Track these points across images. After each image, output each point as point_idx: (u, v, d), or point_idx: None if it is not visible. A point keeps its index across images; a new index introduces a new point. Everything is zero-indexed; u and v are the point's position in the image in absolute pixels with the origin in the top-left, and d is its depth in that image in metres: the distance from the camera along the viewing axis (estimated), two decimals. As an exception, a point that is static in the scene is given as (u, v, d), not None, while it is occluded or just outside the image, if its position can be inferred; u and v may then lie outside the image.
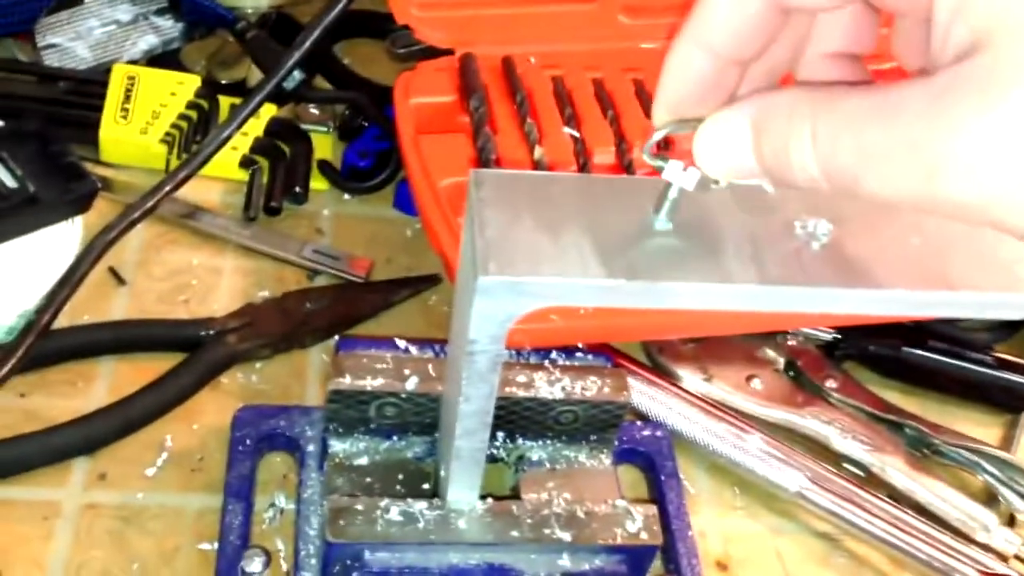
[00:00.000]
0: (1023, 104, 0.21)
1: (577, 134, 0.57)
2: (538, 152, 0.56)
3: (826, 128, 0.24)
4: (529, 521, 0.41)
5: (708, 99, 0.29)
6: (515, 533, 0.41)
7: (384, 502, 0.41)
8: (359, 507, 0.40)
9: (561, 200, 0.33)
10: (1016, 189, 0.21)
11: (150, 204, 0.53)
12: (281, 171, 0.60)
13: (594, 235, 0.32)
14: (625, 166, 0.56)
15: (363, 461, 0.45)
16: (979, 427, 0.57)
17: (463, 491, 0.41)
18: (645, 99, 0.61)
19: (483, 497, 0.42)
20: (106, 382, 0.50)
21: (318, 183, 0.61)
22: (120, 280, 0.54)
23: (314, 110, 0.65)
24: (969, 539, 0.51)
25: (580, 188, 0.34)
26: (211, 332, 0.51)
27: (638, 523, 0.42)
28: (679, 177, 0.31)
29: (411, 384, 0.43)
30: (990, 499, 0.53)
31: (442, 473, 0.43)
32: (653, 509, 0.43)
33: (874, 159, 0.23)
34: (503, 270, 0.31)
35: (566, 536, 0.41)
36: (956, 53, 0.22)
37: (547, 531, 0.41)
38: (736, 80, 0.29)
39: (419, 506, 0.41)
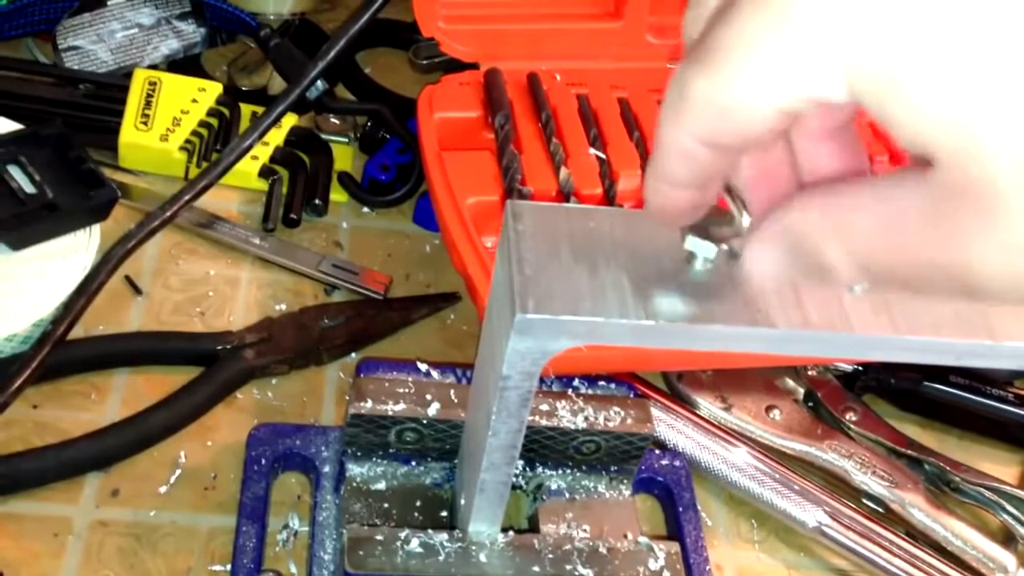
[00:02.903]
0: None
1: (603, 156, 0.57)
2: (564, 174, 0.55)
3: (850, 244, 0.24)
4: (551, 556, 0.41)
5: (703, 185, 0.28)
6: (536, 569, 0.40)
7: (404, 533, 0.40)
8: (379, 537, 0.40)
9: (599, 235, 0.33)
10: None
11: (169, 213, 0.52)
12: (301, 182, 0.59)
13: (632, 273, 0.32)
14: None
15: (381, 486, 0.44)
16: (998, 464, 0.56)
17: (485, 524, 0.40)
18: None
19: (503, 530, 0.41)
20: (120, 395, 0.49)
21: (338, 195, 0.61)
22: (136, 290, 0.54)
23: (335, 120, 0.64)
24: (987, 580, 0.50)
25: (618, 222, 0.34)
26: (228, 347, 0.50)
27: (660, 561, 0.41)
28: (701, 248, 0.30)
29: (432, 410, 0.43)
30: (1008, 539, 0.52)
31: (461, 502, 0.42)
32: (675, 547, 0.42)
33: (903, 268, 0.23)
34: (541, 308, 0.30)
35: (588, 573, 0.41)
36: (921, 153, 0.22)
37: (568, 567, 0.40)
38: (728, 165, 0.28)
39: (439, 538, 0.40)
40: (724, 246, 0.31)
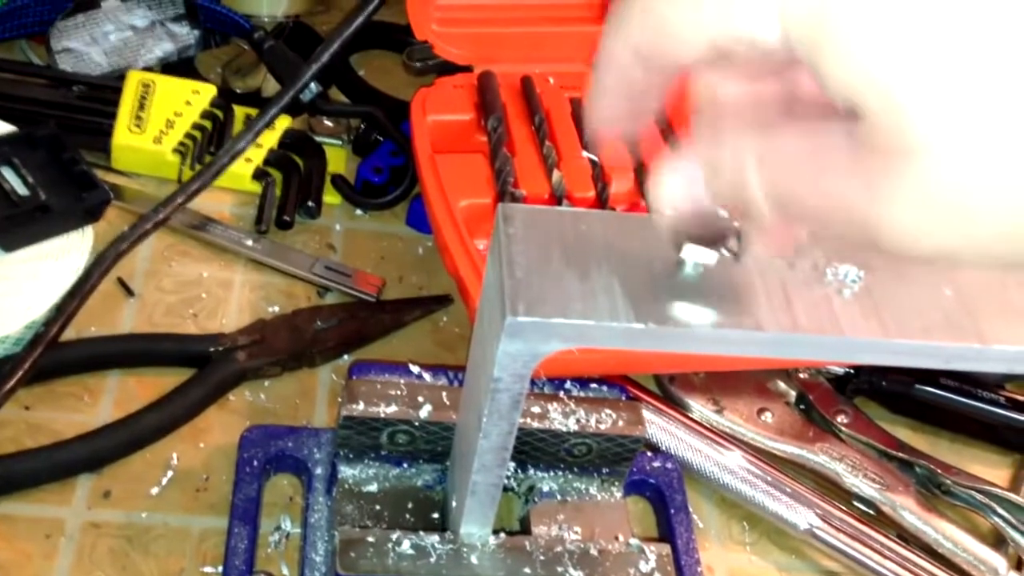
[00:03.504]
0: (940, 168, 0.21)
1: (596, 159, 0.57)
2: (556, 176, 0.55)
3: (767, 172, 0.25)
4: (542, 558, 0.41)
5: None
6: (527, 570, 0.40)
7: (395, 535, 0.40)
8: (370, 539, 0.40)
9: (590, 238, 0.33)
10: (953, 239, 0.22)
11: (162, 216, 0.52)
12: (294, 184, 0.59)
13: (623, 276, 0.32)
14: (644, 193, 0.56)
15: (373, 488, 0.44)
16: (988, 466, 0.57)
17: (476, 526, 0.40)
18: (664, 125, 0.60)
19: (495, 532, 0.41)
20: (112, 397, 0.49)
21: (331, 197, 0.61)
22: (129, 292, 0.54)
23: (328, 122, 0.64)
24: (978, 583, 0.50)
25: (609, 225, 0.34)
26: (220, 348, 0.50)
27: (651, 563, 0.41)
28: (700, 255, 0.31)
29: (424, 412, 0.43)
30: (999, 542, 0.53)
31: (453, 504, 0.42)
32: (666, 548, 0.42)
33: (813, 202, 0.24)
34: (532, 311, 0.30)
35: (579, 575, 0.41)
36: (846, 101, 0.22)
37: (560, 569, 0.41)
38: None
39: (431, 540, 0.40)
40: (723, 250, 0.31)
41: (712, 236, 0.31)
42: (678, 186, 0.28)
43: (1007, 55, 0.20)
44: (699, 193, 0.27)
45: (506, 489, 0.46)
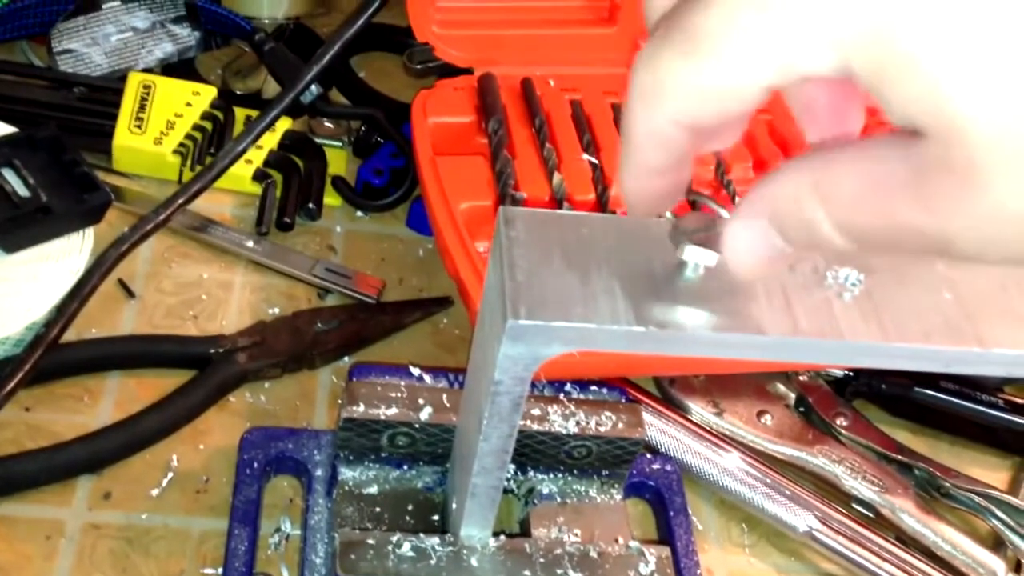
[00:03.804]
0: (1010, 186, 0.21)
1: (596, 161, 0.57)
2: (556, 179, 0.55)
3: (835, 212, 0.24)
4: (542, 560, 0.41)
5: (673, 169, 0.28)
6: (527, 573, 0.40)
7: (396, 537, 0.40)
8: (370, 541, 0.40)
9: (591, 241, 0.33)
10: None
11: (163, 217, 0.52)
12: (295, 186, 0.59)
13: (624, 279, 0.32)
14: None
15: (373, 490, 0.44)
16: (988, 469, 0.57)
17: (476, 528, 0.40)
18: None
19: (495, 534, 0.41)
20: (113, 398, 0.49)
21: (331, 199, 0.61)
22: (129, 293, 0.54)
23: (329, 124, 0.64)
24: (977, 585, 0.50)
25: (610, 229, 0.34)
26: (221, 350, 0.50)
27: (651, 566, 0.41)
28: (701, 257, 0.31)
29: (425, 414, 0.43)
30: (998, 544, 0.53)
31: (453, 506, 0.42)
32: (666, 551, 0.42)
33: (885, 232, 0.24)
34: (533, 315, 0.30)
35: (579, 577, 0.41)
36: (910, 126, 0.22)
37: (559, 571, 0.41)
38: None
39: (431, 542, 0.40)
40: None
41: (713, 237, 0.31)
42: (752, 243, 0.26)
43: None
44: (775, 242, 0.26)
45: (506, 491, 0.46)
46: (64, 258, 0.50)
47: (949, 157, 0.22)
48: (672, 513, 0.48)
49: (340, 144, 0.64)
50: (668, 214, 0.31)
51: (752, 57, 0.23)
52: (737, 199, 0.57)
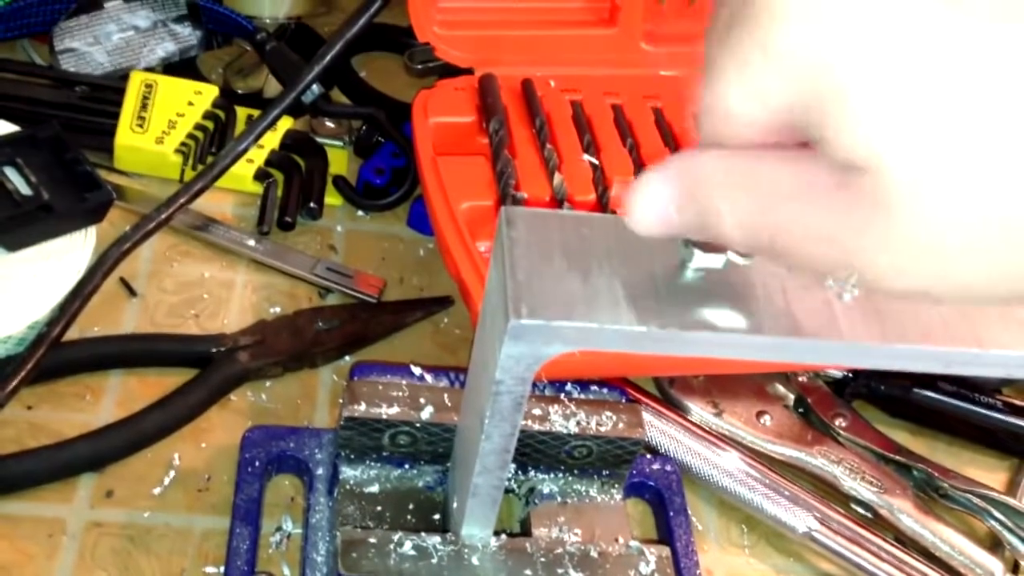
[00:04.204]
0: (922, 217, 0.22)
1: (596, 162, 0.57)
2: (557, 179, 0.55)
3: (741, 205, 0.25)
4: (542, 560, 0.41)
5: None
6: (528, 572, 0.40)
7: (397, 536, 0.40)
8: (372, 540, 0.40)
9: (592, 241, 0.33)
10: (935, 279, 0.23)
11: (164, 216, 0.52)
12: (296, 185, 0.60)
13: (625, 279, 0.32)
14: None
15: (374, 489, 0.45)
16: (986, 470, 0.57)
17: (477, 527, 0.40)
18: (664, 128, 0.61)
19: (496, 533, 0.41)
20: (115, 396, 0.49)
21: (332, 198, 0.61)
22: (131, 292, 0.54)
23: (330, 124, 0.64)
24: (975, 586, 0.51)
25: (611, 229, 0.34)
26: (222, 349, 0.51)
27: (651, 565, 0.42)
28: (708, 261, 0.31)
29: (426, 414, 0.43)
30: (996, 545, 0.53)
31: (454, 505, 0.42)
32: (666, 551, 0.43)
33: (791, 242, 0.24)
34: (535, 314, 0.30)
35: (579, 576, 0.41)
36: (846, 164, 0.23)
37: (560, 571, 0.41)
38: None
39: (432, 541, 0.40)
40: (729, 254, 0.31)
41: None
42: (652, 205, 0.27)
43: (980, 121, 0.21)
44: (672, 216, 0.27)
45: (507, 491, 0.46)
46: (66, 257, 0.50)
47: (873, 187, 0.22)
48: (672, 513, 0.49)
49: (341, 144, 0.64)
50: (638, 229, 0.31)
51: (748, 89, 0.24)
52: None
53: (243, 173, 0.59)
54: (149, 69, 0.63)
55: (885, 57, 0.21)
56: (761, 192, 0.25)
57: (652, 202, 0.27)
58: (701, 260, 0.31)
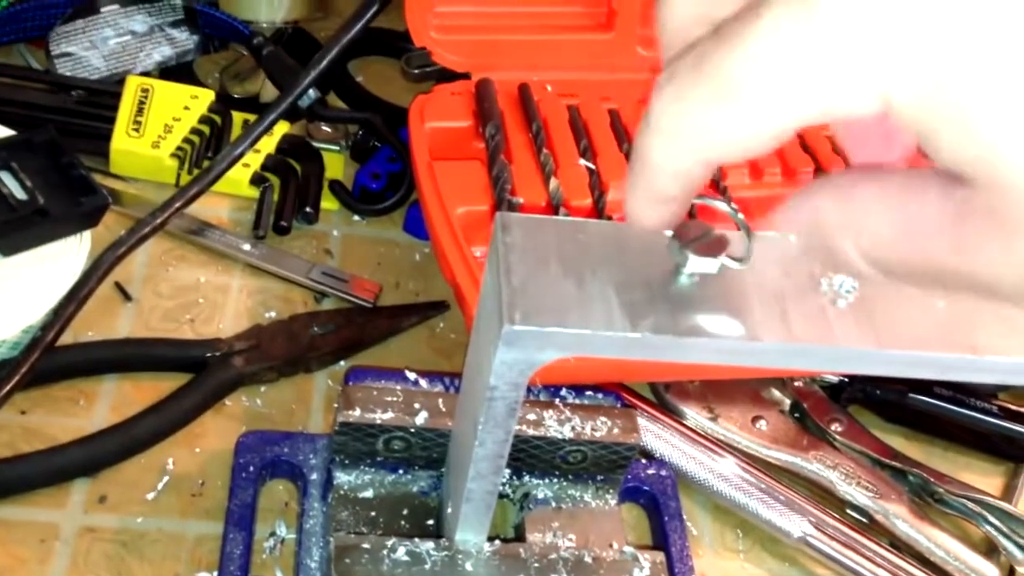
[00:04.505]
0: None
1: (592, 167, 0.57)
2: (553, 184, 0.55)
3: (866, 246, 0.24)
4: (536, 565, 0.41)
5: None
6: (522, 577, 0.40)
7: (391, 541, 0.40)
8: (366, 546, 0.40)
9: (587, 247, 0.33)
10: None
11: (160, 220, 0.52)
12: (292, 190, 0.60)
13: (619, 285, 0.32)
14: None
15: (368, 494, 0.45)
16: (981, 475, 0.57)
17: (471, 533, 0.40)
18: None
19: (490, 539, 0.41)
20: (109, 401, 0.49)
21: (328, 203, 0.61)
22: (126, 296, 0.54)
23: (326, 128, 0.64)
24: (970, 591, 0.51)
25: (607, 235, 0.34)
26: (217, 354, 0.51)
27: (645, 571, 0.42)
28: (704, 266, 0.31)
29: (421, 419, 0.43)
30: (991, 550, 0.53)
31: (448, 511, 0.42)
32: (660, 556, 0.43)
33: (919, 273, 0.24)
34: (529, 320, 0.30)
35: (573, 582, 0.41)
36: (958, 171, 0.22)
37: (554, 576, 0.41)
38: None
39: (426, 546, 0.40)
40: (724, 258, 0.31)
41: (712, 246, 0.31)
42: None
43: None
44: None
45: (501, 496, 0.46)
46: (61, 261, 0.50)
47: (995, 207, 0.21)
48: (667, 518, 0.48)
49: (337, 148, 0.64)
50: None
51: (790, 103, 0.22)
52: (733, 204, 0.57)
53: (239, 177, 0.59)
54: (145, 73, 0.63)
55: (1002, 64, 0.20)
56: (879, 229, 0.24)
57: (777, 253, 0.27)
58: (696, 265, 0.31)
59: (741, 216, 0.31)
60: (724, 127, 0.23)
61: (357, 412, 0.43)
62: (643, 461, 0.51)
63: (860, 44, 0.21)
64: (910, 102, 0.21)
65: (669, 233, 0.31)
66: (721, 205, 0.32)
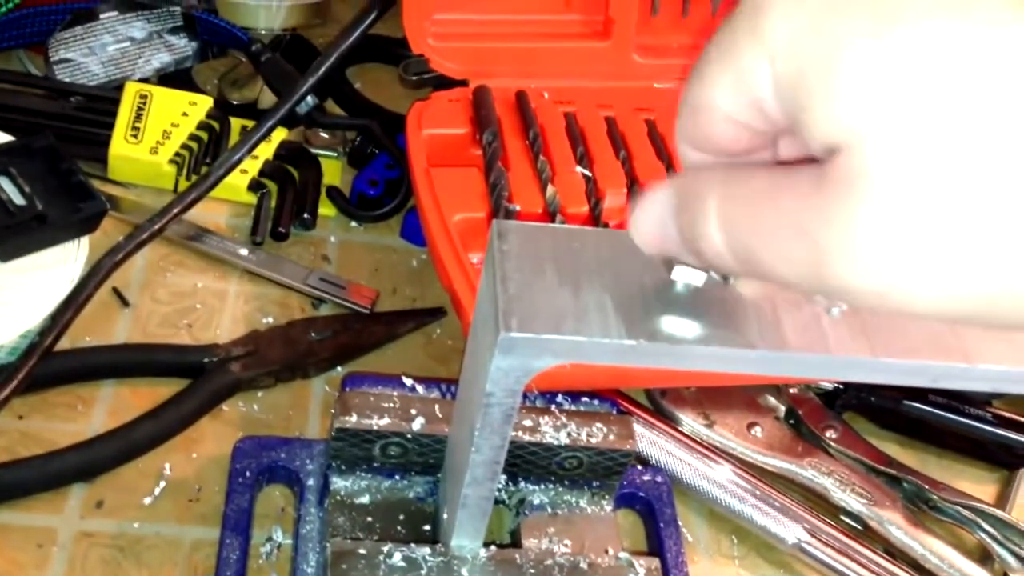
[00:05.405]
0: (891, 200, 0.21)
1: (589, 174, 0.57)
2: (550, 191, 0.56)
3: (727, 205, 0.25)
4: (532, 571, 0.41)
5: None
6: (518, 583, 0.41)
7: (387, 547, 0.40)
8: (362, 551, 0.40)
9: (583, 255, 0.33)
10: (906, 278, 0.22)
11: (158, 226, 0.52)
12: (290, 196, 0.60)
13: (616, 293, 0.32)
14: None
15: (364, 500, 0.45)
16: (975, 483, 0.57)
17: (467, 538, 0.40)
18: (657, 140, 0.61)
19: (486, 544, 0.42)
20: (106, 406, 0.49)
21: (326, 209, 0.61)
22: (124, 302, 0.54)
23: (324, 134, 0.64)
24: (964, 598, 0.51)
25: (602, 243, 0.34)
26: (214, 359, 0.51)
27: (641, 577, 0.42)
28: (689, 276, 0.31)
29: (417, 425, 0.43)
30: (985, 558, 0.53)
31: (444, 516, 0.42)
32: (655, 563, 0.43)
33: (765, 239, 0.24)
34: (525, 327, 0.31)
35: (569, 588, 0.41)
36: (825, 146, 0.23)
37: (550, 582, 0.41)
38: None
39: (422, 552, 0.40)
40: (712, 273, 0.31)
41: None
42: (652, 218, 0.28)
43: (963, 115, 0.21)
44: (669, 230, 0.27)
45: (497, 502, 0.46)
46: (59, 267, 0.50)
47: (845, 165, 0.22)
48: (662, 524, 0.49)
49: (335, 155, 0.64)
50: (637, 240, 0.32)
51: (718, 78, 0.25)
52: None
53: (237, 183, 0.59)
54: (144, 80, 0.63)
55: (867, 30, 0.21)
56: (743, 194, 0.25)
57: (651, 215, 0.28)
58: (681, 274, 0.31)
59: None
60: (688, 104, 0.26)
61: (354, 418, 0.43)
62: (639, 467, 0.51)
63: (757, 25, 0.23)
64: (782, 65, 0.23)
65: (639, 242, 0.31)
66: None
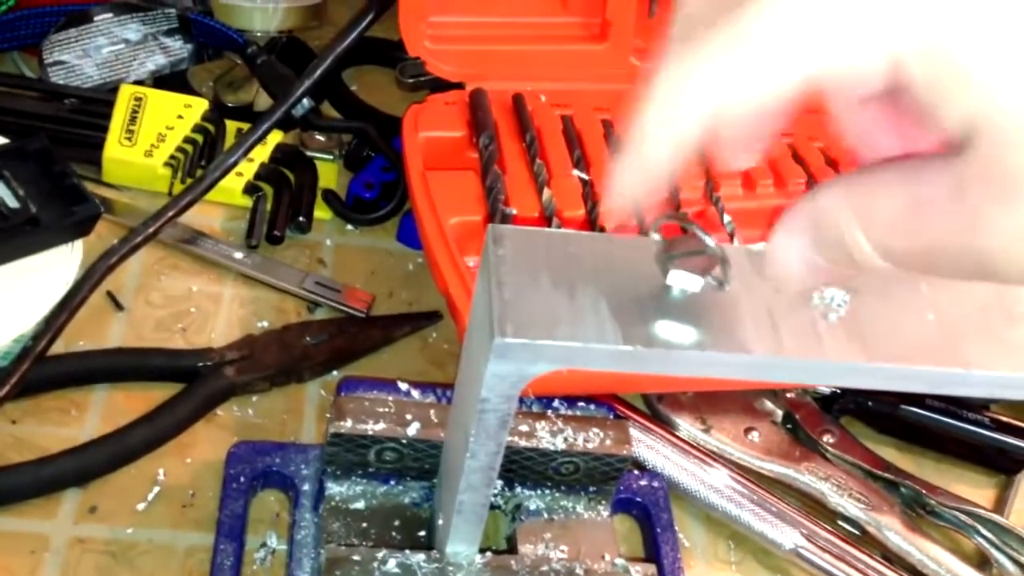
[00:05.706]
0: None
1: (586, 177, 0.57)
2: (546, 195, 0.55)
3: (875, 233, 0.25)
4: (528, 577, 0.41)
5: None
6: (513, 590, 0.40)
7: (382, 553, 0.40)
8: (356, 557, 0.40)
9: (578, 260, 0.33)
10: None
11: (152, 229, 0.52)
12: (285, 199, 0.60)
13: (611, 298, 0.32)
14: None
15: (360, 505, 0.44)
16: (973, 487, 0.57)
17: (463, 544, 0.40)
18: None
19: (481, 550, 0.41)
20: (100, 411, 0.49)
21: (322, 212, 0.61)
22: (118, 305, 0.54)
23: (320, 137, 0.64)
24: (962, 604, 0.50)
25: (597, 248, 0.34)
26: (209, 363, 0.50)
27: (637, 583, 0.42)
28: (685, 281, 0.31)
29: (412, 430, 0.43)
30: (983, 563, 0.53)
31: (439, 522, 0.42)
32: (652, 568, 0.43)
33: (930, 257, 0.24)
34: (520, 333, 0.30)
35: (565, 594, 0.41)
36: (951, 139, 0.22)
37: (545, 588, 0.41)
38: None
39: (417, 558, 0.40)
40: (709, 278, 0.31)
41: (699, 263, 0.31)
42: (793, 261, 0.27)
43: None
44: (814, 258, 0.27)
45: (493, 507, 0.46)
46: (52, 270, 0.50)
47: (993, 165, 0.22)
48: (659, 530, 0.48)
49: (331, 157, 0.64)
50: (656, 236, 0.32)
51: (799, 53, 0.23)
52: (726, 216, 0.57)
53: (232, 186, 0.59)
54: (139, 82, 0.63)
55: (1005, 23, 0.21)
56: (886, 215, 0.24)
57: (791, 258, 0.27)
58: (677, 279, 0.31)
59: (711, 241, 0.31)
60: (732, 74, 0.24)
61: (349, 423, 0.42)
62: (635, 472, 0.51)
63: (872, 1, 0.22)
64: (916, 64, 0.22)
65: (657, 236, 0.31)
66: (696, 230, 0.32)
